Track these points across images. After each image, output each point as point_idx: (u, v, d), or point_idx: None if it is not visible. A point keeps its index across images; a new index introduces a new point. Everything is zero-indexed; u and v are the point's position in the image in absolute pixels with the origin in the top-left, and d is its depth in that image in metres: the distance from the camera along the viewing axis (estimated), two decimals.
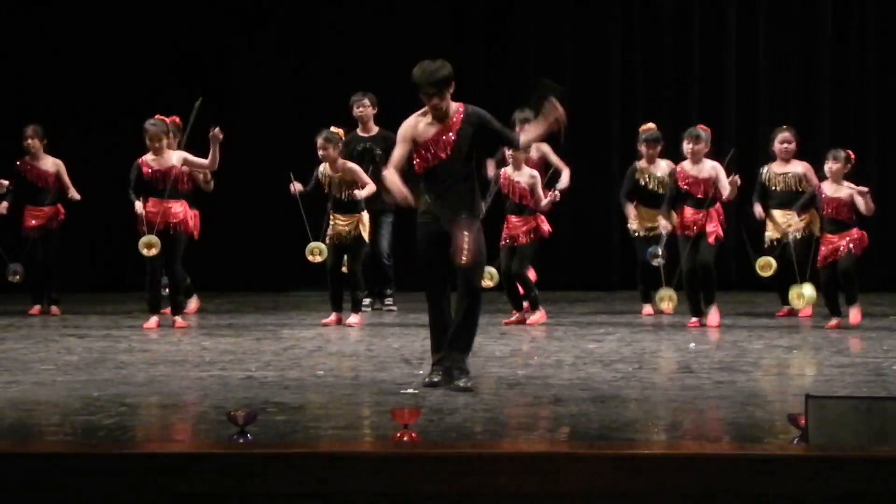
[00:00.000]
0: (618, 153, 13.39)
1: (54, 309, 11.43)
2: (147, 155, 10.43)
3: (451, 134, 7.58)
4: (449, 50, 13.24)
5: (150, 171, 10.39)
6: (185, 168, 10.44)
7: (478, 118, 7.66)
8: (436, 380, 7.61)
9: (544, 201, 10.56)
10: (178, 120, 10.87)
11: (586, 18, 13.62)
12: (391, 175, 7.66)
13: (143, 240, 10.30)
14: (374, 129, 11.51)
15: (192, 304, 11.43)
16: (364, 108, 11.50)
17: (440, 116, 7.59)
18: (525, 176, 10.58)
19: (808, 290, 10.42)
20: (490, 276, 10.40)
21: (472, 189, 7.67)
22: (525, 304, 10.90)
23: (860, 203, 10.06)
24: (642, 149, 11.19)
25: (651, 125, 11.36)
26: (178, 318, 10.52)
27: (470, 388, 7.45)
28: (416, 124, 7.67)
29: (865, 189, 10.06)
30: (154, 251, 10.30)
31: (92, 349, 9.35)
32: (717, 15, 13.51)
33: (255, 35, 13.49)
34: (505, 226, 10.65)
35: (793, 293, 10.57)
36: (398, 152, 7.68)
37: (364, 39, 13.29)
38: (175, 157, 10.45)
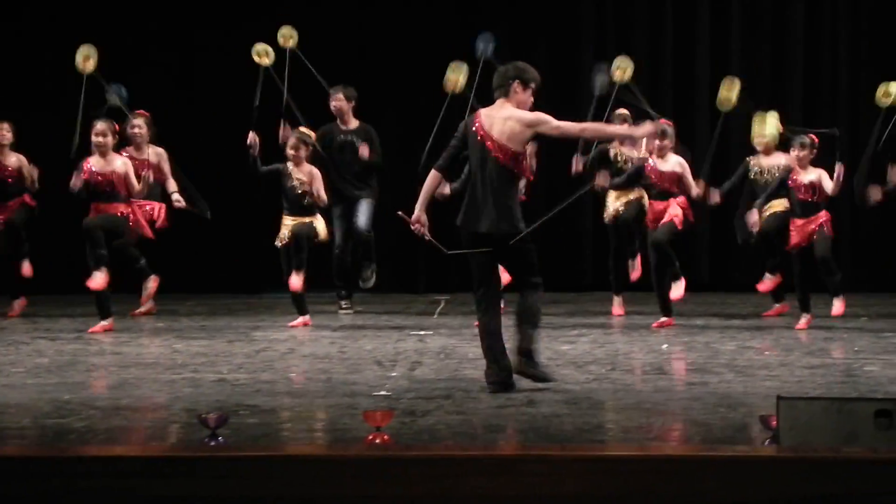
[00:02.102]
0: (589, 153, 13.36)
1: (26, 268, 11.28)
2: (93, 156, 10.37)
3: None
4: (420, 34, 13.43)
5: (90, 172, 10.31)
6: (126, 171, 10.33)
7: None
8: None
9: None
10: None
11: (559, 17, 13.60)
12: (430, 180, 7.63)
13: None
14: (354, 123, 11.48)
15: (150, 285, 11.21)
16: (338, 101, 11.43)
17: None
18: None
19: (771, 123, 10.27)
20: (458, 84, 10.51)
21: None
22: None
23: (829, 185, 10.10)
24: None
25: (623, 109, 11.40)
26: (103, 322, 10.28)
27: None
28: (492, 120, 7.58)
29: (842, 168, 10.11)
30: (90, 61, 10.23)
31: (63, 352, 9.30)
32: (688, 12, 13.51)
33: (229, 28, 13.42)
34: None
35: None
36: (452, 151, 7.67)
37: (342, 33, 13.26)
38: (119, 164, 10.36)
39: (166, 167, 11.09)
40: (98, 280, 10.21)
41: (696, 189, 10.47)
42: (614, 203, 11.20)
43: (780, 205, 10.57)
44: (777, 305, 11.15)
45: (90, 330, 10.26)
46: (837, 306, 10.29)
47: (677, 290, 10.50)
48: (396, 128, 12.58)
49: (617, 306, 11.36)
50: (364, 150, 11.29)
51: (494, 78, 7.65)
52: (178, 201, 10.96)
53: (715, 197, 10.83)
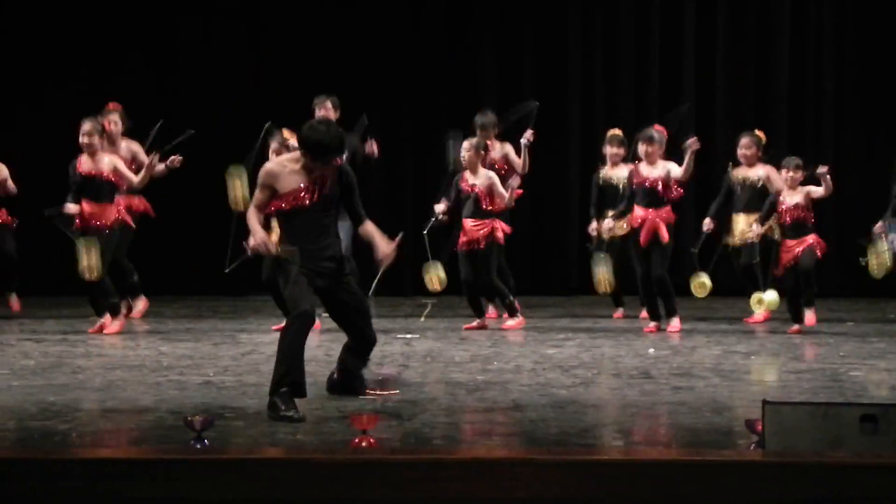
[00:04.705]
0: (577, 158, 13.43)
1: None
2: (83, 155, 10.32)
3: None
4: (407, 42, 13.44)
5: (82, 171, 10.27)
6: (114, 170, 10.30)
7: None
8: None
9: (506, 196, 10.58)
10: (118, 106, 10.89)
11: (546, 19, 13.62)
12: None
13: (82, 263, 10.10)
14: None
15: (140, 305, 11.22)
16: (326, 110, 11.31)
17: None
18: (482, 178, 10.61)
19: (769, 294, 10.46)
20: (439, 280, 10.50)
21: None
22: (492, 310, 11.06)
23: (819, 190, 10.14)
24: (607, 150, 11.20)
25: (617, 130, 11.41)
26: (107, 320, 10.30)
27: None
28: None
29: (825, 169, 10.14)
30: (93, 271, 10.09)
31: (48, 353, 9.28)
32: (675, 22, 13.54)
33: (206, 29, 13.43)
34: (462, 231, 10.65)
35: (753, 298, 10.65)
36: None
37: (320, 31, 13.26)
38: (106, 162, 10.33)
39: (143, 160, 10.98)
40: (115, 327, 10.30)
41: (682, 171, 10.34)
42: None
43: (749, 220, 10.66)
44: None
45: (91, 330, 10.24)
46: (809, 317, 10.31)
47: (673, 324, 10.54)
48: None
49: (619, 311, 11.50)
50: (372, 147, 11.11)
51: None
52: (171, 161, 10.68)
53: (707, 225, 10.86)
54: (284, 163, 7.28)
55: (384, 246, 7.30)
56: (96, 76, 12.92)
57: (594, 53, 13.64)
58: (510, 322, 10.76)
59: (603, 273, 10.76)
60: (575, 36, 13.61)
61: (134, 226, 10.65)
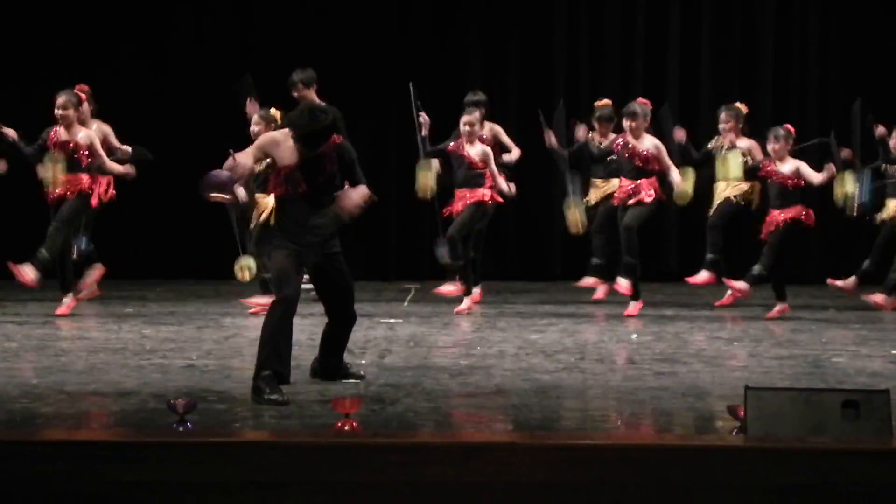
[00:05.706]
0: (562, 143, 13.40)
1: None
2: (59, 127, 10.26)
3: None
4: (394, 34, 13.41)
5: (55, 140, 10.22)
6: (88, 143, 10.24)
7: None
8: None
9: (503, 185, 10.62)
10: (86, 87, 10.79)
11: (532, 9, 13.62)
12: None
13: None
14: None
15: (94, 274, 11.06)
16: (299, 91, 11.10)
17: None
18: (477, 149, 10.62)
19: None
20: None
21: None
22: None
23: (813, 176, 10.17)
24: (596, 125, 11.29)
25: (607, 101, 11.43)
26: (66, 300, 10.32)
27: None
28: None
29: (833, 169, 10.21)
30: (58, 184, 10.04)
31: (31, 336, 9.27)
32: (660, 7, 13.55)
33: (195, 15, 13.39)
34: (454, 199, 10.63)
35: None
36: None
37: (308, 27, 13.23)
38: (82, 135, 10.29)
39: (113, 141, 10.91)
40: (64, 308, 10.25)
41: (676, 172, 10.40)
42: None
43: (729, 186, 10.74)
44: (731, 291, 11.18)
45: (58, 311, 10.23)
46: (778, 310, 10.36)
47: (624, 283, 10.53)
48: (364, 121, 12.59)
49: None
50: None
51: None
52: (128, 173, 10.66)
53: (679, 134, 10.83)
54: (288, 135, 7.26)
55: (350, 197, 7.21)
56: (87, 73, 12.86)
57: (580, 43, 13.62)
58: (448, 287, 10.68)
59: (575, 214, 10.80)
60: (560, 27, 13.59)
61: (94, 202, 10.49)
